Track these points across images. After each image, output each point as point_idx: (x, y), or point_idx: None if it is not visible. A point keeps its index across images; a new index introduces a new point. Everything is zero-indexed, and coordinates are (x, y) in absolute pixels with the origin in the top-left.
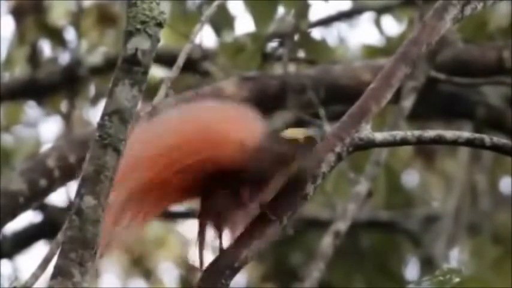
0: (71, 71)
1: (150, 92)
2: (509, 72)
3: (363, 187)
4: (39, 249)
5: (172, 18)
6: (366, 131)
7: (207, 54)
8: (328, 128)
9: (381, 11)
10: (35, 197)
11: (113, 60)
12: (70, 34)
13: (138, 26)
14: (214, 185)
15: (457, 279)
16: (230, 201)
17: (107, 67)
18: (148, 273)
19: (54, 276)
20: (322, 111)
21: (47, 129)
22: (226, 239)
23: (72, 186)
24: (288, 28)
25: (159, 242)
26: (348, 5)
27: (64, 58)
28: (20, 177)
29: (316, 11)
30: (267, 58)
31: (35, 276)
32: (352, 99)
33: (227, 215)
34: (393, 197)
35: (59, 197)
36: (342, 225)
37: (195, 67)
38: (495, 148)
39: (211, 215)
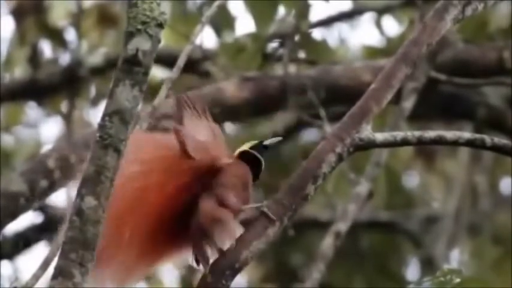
0: (71, 71)
1: (151, 92)
2: (509, 73)
3: (363, 188)
4: (40, 250)
5: (173, 18)
6: (367, 131)
7: (207, 55)
8: (329, 128)
9: (381, 11)
10: (35, 198)
11: (113, 60)
12: (70, 35)
13: (139, 27)
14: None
15: (457, 280)
16: (209, 203)
17: (107, 68)
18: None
19: (54, 276)
20: (322, 112)
21: (47, 129)
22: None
23: (73, 187)
24: (288, 29)
25: None
26: (348, 6)
27: (64, 59)
28: (21, 178)
29: (317, 12)
30: (268, 59)
31: (36, 277)
32: (352, 99)
33: (211, 217)
34: (394, 197)
35: (59, 198)
36: (342, 226)
37: (196, 68)
38: (496, 148)
39: (198, 225)
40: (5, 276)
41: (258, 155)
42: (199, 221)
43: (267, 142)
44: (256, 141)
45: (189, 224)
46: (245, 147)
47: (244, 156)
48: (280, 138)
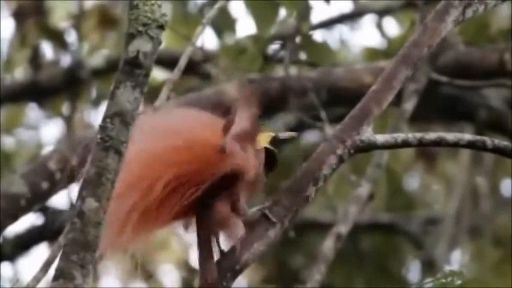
0: (72, 73)
1: (152, 94)
2: (510, 75)
3: (364, 189)
4: (41, 251)
5: (174, 20)
6: (368, 133)
7: (208, 57)
8: (330, 130)
9: (382, 13)
10: (36, 200)
11: (114, 62)
12: (71, 36)
13: (140, 28)
14: (206, 197)
15: (458, 282)
16: (224, 208)
17: (108, 69)
18: (149, 276)
19: (55, 278)
20: (323, 114)
21: (48, 131)
22: (226, 245)
23: (74, 189)
24: (289, 30)
25: (161, 244)
26: (349, 8)
27: (65, 60)
28: (21, 180)
29: (318, 14)
30: (269, 60)
31: (37, 279)
32: (353, 101)
33: (224, 222)
34: (394, 199)
35: (60, 200)
36: (343, 228)
37: (197, 69)
38: (496, 150)
39: (209, 225)
40: (5, 278)
41: (275, 152)
42: (211, 222)
43: (281, 136)
44: (271, 134)
45: (197, 213)
46: (263, 141)
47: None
48: (295, 134)
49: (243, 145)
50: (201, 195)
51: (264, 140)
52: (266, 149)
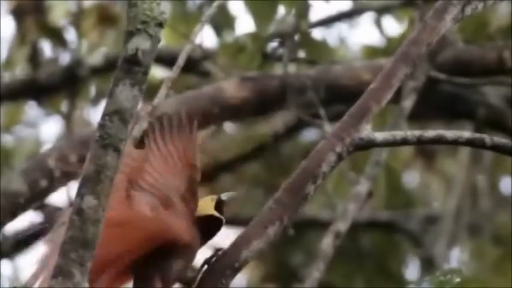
0: (71, 71)
1: (151, 92)
2: (509, 73)
3: (363, 187)
4: (40, 249)
5: (173, 18)
6: (366, 131)
7: (207, 55)
8: (329, 128)
9: (381, 11)
10: (35, 197)
11: (113, 60)
12: (70, 34)
13: (139, 26)
14: (142, 266)
15: (457, 280)
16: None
17: (107, 67)
18: None
19: (54, 276)
20: (322, 111)
21: (47, 129)
22: None
23: (73, 186)
24: (288, 28)
25: None
26: (348, 5)
27: (64, 58)
28: (21, 177)
29: (317, 11)
30: (268, 58)
31: (35, 276)
32: (352, 99)
33: None
34: (393, 197)
35: (59, 197)
36: (342, 226)
37: (196, 67)
38: (495, 148)
39: None
40: (5, 276)
41: (222, 218)
42: None
43: (224, 197)
44: (214, 197)
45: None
46: (209, 206)
47: (206, 218)
48: (235, 193)
49: (181, 211)
50: (136, 265)
51: (207, 205)
52: (211, 216)
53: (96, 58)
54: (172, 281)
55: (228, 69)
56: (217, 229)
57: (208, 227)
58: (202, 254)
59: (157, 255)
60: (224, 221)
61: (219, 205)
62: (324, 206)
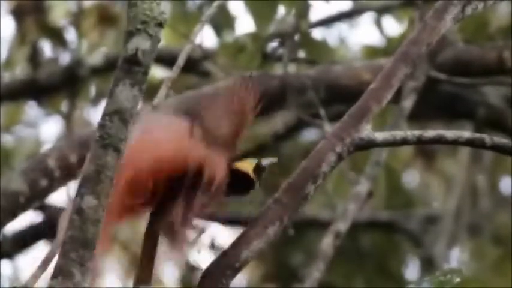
0: (71, 71)
1: (151, 92)
2: (509, 73)
3: (363, 187)
4: (40, 249)
5: (173, 18)
6: (367, 131)
7: (207, 55)
8: (329, 128)
9: (381, 11)
10: (35, 197)
11: (113, 60)
12: (70, 34)
13: (139, 26)
14: (164, 198)
15: (457, 280)
16: (176, 215)
17: (107, 67)
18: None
19: (54, 276)
20: (322, 111)
21: (47, 129)
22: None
23: (73, 186)
24: (288, 28)
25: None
26: (348, 5)
27: (64, 58)
28: (20, 177)
29: (317, 11)
30: (268, 58)
31: (35, 277)
32: (352, 99)
33: (170, 228)
34: (393, 197)
35: (59, 197)
36: (342, 226)
37: (196, 67)
38: (495, 148)
39: (163, 227)
40: (5, 276)
41: (256, 180)
42: (159, 224)
43: (264, 163)
44: (254, 161)
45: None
46: (248, 167)
47: (241, 174)
48: (275, 159)
49: (220, 153)
50: (163, 191)
51: (246, 165)
52: (246, 174)
53: (96, 58)
54: (194, 214)
55: (228, 69)
56: (247, 190)
57: (239, 184)
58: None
59: (182, 186)
60: (257, 185)
61: (257, 169)
62: (324, 206)
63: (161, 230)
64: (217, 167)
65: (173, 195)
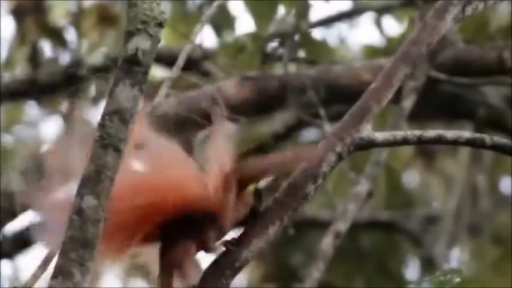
0: (71, 71)
1: (151, 92)
2: (509, 73)
3: (363, 187)
4: (40, 249)
5: (173, 18)
6: (367, 130)
7: (207, 54)
8: (329, 128)
9: (381, 11)
10: None
11: (113, 60)
12: (70, 34)
13: (139, 26)
14: (174, 232)
15: (457, 280)
16: (191, 247)
17: (107, 67)
18: (148, 274)
19: (54, 276)
20: (322, 111)
21: (47, 129)
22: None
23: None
24: (288, 28)
25: None
26: (348, 5)
27: (64, 58)
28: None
29: (317, 11)
30: (268, 58)
31: (35, 277)
32: (352, 99)
33: (187, 262)
34: (393, 197)
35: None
36: (342, 226)
37: (196, 67)
38: (495, 148)
39: (172, 262)
40: (5, 276)
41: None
42: (170, 256)
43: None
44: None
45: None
46: (249, 196)
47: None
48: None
49: (227, 189)
50: (169, 225)
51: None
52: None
53: (96, 58)
54: (199, 247)
55: (228, 69)
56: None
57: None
58: (202, 255)
59: (189, 220)
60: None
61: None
62: (324, 206)
63: (171, 262)
64: (224, 204)
65: (180, 231)
